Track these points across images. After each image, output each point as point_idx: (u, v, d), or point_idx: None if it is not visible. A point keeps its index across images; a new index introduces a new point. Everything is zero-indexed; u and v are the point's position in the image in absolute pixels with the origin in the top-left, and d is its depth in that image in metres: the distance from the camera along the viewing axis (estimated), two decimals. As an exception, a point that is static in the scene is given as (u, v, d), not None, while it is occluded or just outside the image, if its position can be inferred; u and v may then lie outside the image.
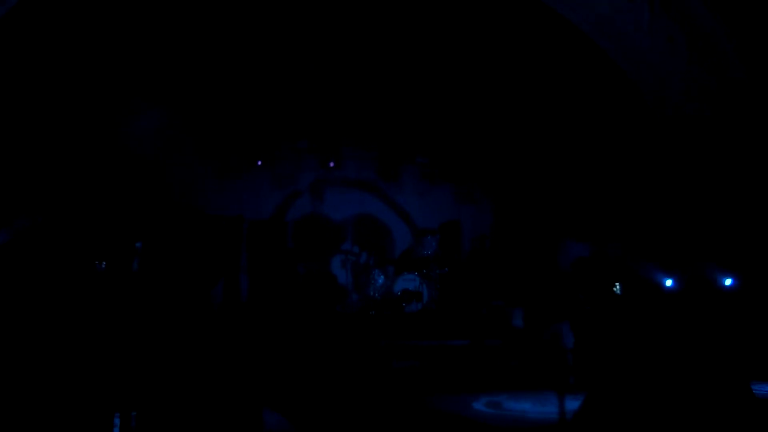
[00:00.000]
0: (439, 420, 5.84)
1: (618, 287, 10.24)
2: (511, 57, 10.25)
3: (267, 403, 5.38)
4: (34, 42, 8.52)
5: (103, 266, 6.87)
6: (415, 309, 9.69)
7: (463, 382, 7.32)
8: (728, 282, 9.39)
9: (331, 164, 11.20)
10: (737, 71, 9.42)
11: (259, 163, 10.91)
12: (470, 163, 11.77)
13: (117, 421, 4.81)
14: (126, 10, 9.00)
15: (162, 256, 6.51)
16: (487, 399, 6.74)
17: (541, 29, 9.85)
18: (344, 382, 6.01)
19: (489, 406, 6.48)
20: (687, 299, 9.28)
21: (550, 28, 9.84)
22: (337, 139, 11.36)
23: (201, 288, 8.18)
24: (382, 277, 10.14)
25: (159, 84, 9.61)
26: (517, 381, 7.49)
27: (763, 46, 8.96)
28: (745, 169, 9.25)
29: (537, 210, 11.20)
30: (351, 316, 9.39)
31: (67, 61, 8.81)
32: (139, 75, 9.47)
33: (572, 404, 6.24)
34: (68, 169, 8.45)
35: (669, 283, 9.71)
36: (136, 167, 9.29)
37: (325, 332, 7.03)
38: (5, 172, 8.06)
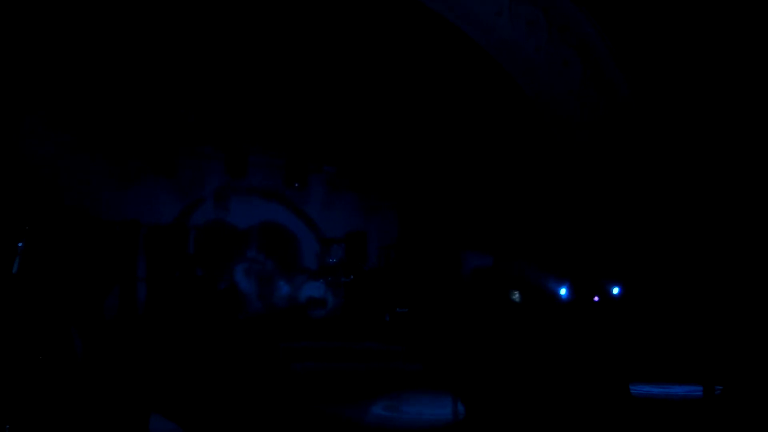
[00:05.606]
0: (336, 423, 5.84)
1: (517, 295, 10.68)
2: (420, 75, 10.52)
3: (158, 410, 5.19)
4: None
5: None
6: (320, 315, 9.69)
7: (363, 385, 7.36)
8: (615, 290, 10.01)
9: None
10: (624, 95, 10.18)
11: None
12: (378, 174, 11.93)
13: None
14: (19, 11, 8.52)
15: (47, 260, 6.13)
16: (386, 402, 6.81)
17: (450, 50, 10.19)
18: (240, 385, 5.91)
19: (387, 409, 6.55)
20: (577, 307, 9.82)
21: (458, 49, 10.19)
22: (243, 146, 11.17)
23: (92, 295, 7.78)
24: (287, 285, 10.06)
25: (54, 86, 9.13)
26: (416, 383, 7.62)
27: (646, 72, 9.74)
28: (631, 185, 9.95)
29: (441, 223, 11.50)
30: (251, 322, 9.24)
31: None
32: (33, 76, 8.96)
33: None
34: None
35: (563, 291, 10.22)
36: (25, 169, 8.75)
37: (223, 339, 6.88)
38: None
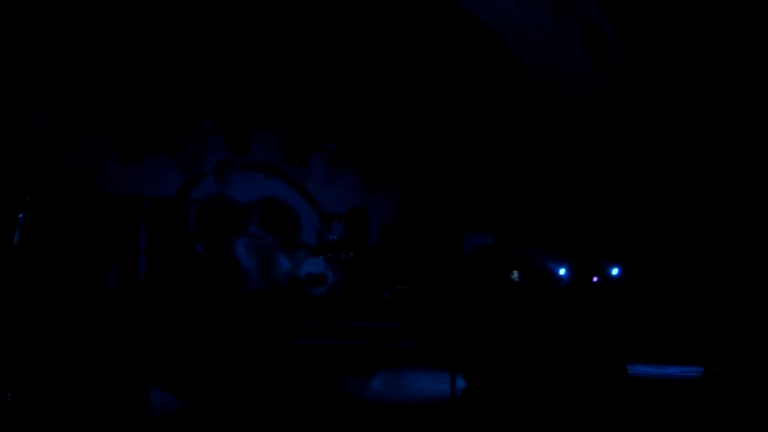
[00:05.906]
0: (335, 399, 5.89)
1: (516, 275, 10.69)
2: (421, 50, 10.43)
3: (157, 383, 5.23)
4: None
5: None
6: (320, 292, 9.73)
7: (362, 362, 7.42)
8: (615, 271, 10.03)
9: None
10: (629, 76, 10.09)
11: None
12: (379, 151, 11.90)
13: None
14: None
15: (48, 231, 6.14)
16: (384, 378, 6.87)
17: (451, 26, 10.09)
18: (240, 360, 5.95)
19: (386, 386, 6.60)
20: (575, 288, 9.85)
21: (460, 25, 10.09)
22: (245, 122, 11.13)
23: (93, 267, 7.80)
24: (287, 261, 10.09)
25: (58, 59, 9.07)
26: (415, 360, 7.68)
27: (652, 55, 9.65)
28: (632, 165, 9.92)
29: (442, 201, 11.51)
30: (251, 297, 9.28)
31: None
32: (37, 48, 8.89)
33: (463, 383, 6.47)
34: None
35: (563, 271, 10.25)
36: (27, 141, 8.73)
37: (223, 313, 6.92)
38: None
